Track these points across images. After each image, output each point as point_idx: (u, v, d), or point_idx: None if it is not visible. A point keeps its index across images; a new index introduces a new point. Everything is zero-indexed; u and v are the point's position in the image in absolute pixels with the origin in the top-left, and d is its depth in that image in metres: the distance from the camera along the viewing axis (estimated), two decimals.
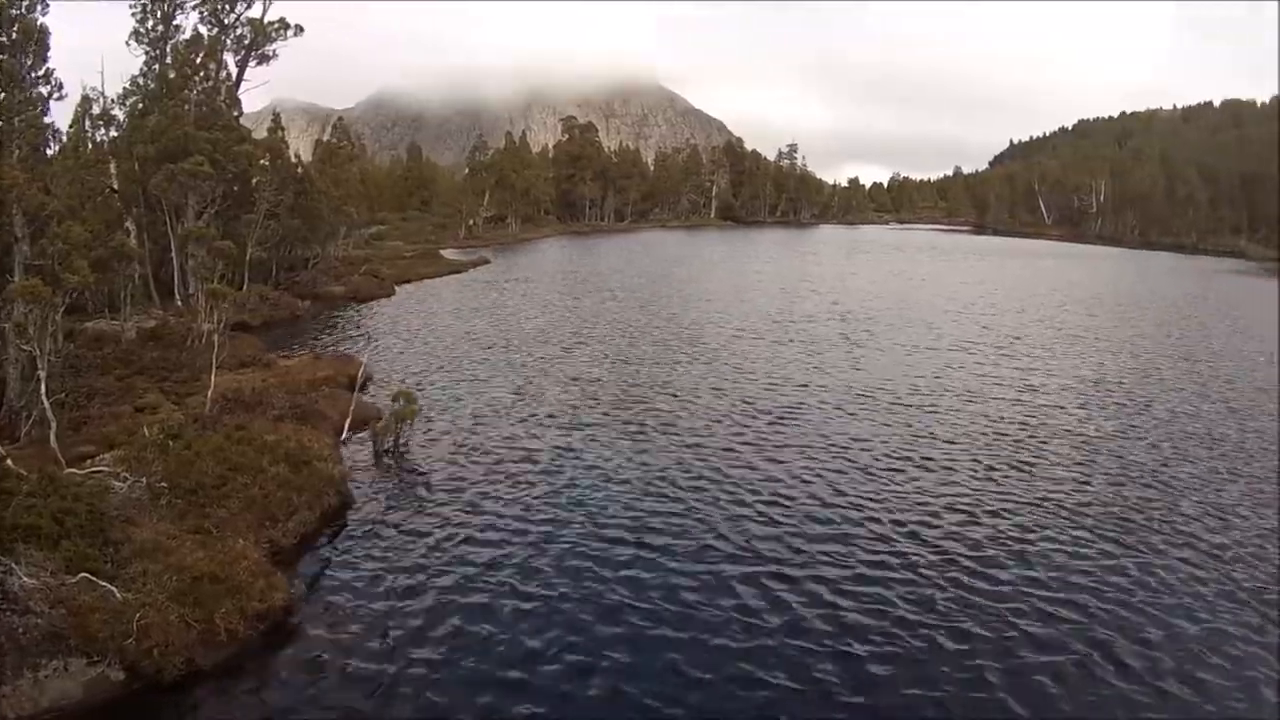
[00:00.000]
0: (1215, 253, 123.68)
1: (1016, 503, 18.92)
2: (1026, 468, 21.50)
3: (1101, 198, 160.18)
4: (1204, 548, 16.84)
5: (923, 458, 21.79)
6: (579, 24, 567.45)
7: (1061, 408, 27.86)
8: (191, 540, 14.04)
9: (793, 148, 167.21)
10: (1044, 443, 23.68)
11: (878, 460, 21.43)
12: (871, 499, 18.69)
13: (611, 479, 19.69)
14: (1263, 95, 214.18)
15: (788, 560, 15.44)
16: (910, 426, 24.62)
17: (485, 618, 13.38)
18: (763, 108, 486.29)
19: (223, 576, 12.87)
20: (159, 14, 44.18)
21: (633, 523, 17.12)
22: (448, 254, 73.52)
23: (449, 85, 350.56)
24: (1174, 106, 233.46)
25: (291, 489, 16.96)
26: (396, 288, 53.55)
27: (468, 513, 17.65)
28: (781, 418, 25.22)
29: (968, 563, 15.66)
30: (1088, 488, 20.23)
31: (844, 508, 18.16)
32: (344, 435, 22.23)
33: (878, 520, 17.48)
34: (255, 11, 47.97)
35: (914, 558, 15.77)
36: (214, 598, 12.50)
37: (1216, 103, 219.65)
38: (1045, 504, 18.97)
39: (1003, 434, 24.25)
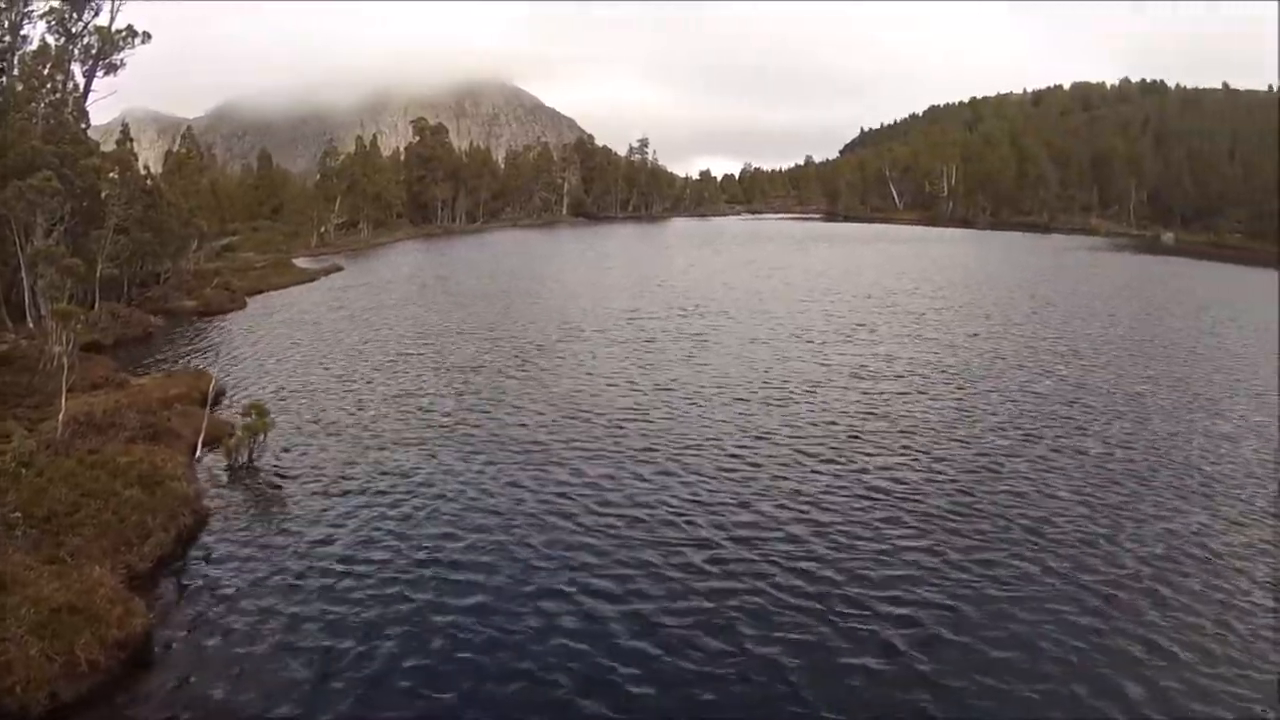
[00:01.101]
0: (1067, 231, 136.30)
1: (848, 496, 20.47)
2: (863, 459, 23.14)
3: (952, 181, 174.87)
4: (1034, 531, 18.66)
5: (762, 455, 23.33)
6: (427, 24, 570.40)
7: (904, 394, 29.82)
8: (48, 571, 14.56)
9: (643, 142, 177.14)
10: (884, 434, 25.36)
11: (712, 461, 22.73)
12: (698, 501, 19.92)
13: (457, 488, 20.94)
14: (1112, 78, 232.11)
15: (612, 570, 16.65)
16: (752, 423, 26.16)
17: (344, 632, 14.27)
18: (614, 103, 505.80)
19: (81, 606, 13.52)
20: (5, 24, 45.09)
21: (480, 528, 18.51)
22: (300, 263, 75.95)
23: (298, 90, 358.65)
24: (1024, 90, 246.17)
25: (146, 511, 17.85)
26: (249, 300, 54.85)
27: (323, 525, 18.62)
28: (624, 421, 26.43)
29: (790, 559, 16.97)
30: (923, 476, 21.98)
31: (673, 513, 19.33)
32: (198, 453, 23.07)
33: (695, 523, 18.65)
34: (103, 19, 49.90)
35: (730, 559, 16.95)
36: (73, 629, 13.11)
37: (1066, 86, 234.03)
38: (874, 497, 20.51)
39: (845, 427, 25.88)
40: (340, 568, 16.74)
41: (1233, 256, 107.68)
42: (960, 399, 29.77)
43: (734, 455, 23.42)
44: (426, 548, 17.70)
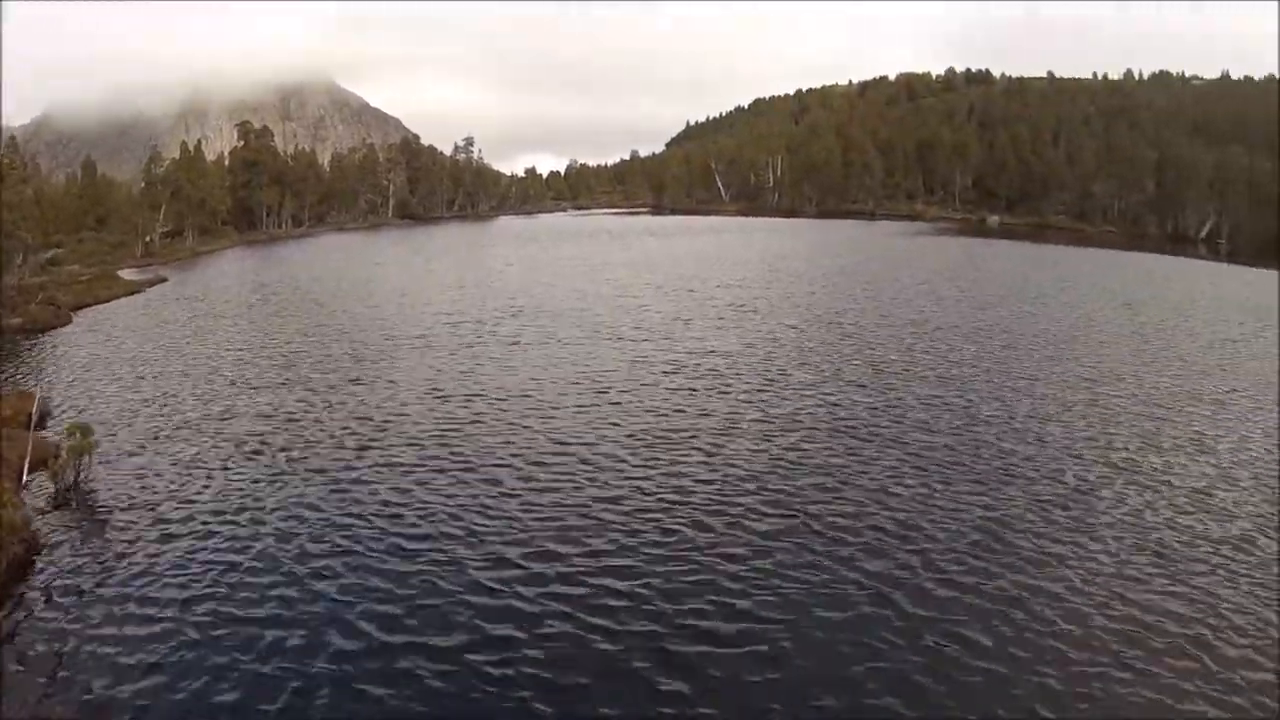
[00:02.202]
0: (893, 217, 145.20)
1: (652, 501, 21.02)
2: (670, 461, 23.75)
3: (778, 172, 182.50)
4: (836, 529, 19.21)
5: (566, 465, 23.62)
6: (245, 24, 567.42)
7: (722, 391, 30.90)
8: None
9: (469, 141, 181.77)
10: (693, 433, 26.10)
11: (516, 473, 23.09)
12: (502, 518, 20.27)
13: (288, 506, 21.40)
14: (937, 68, 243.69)
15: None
16: (560, 429, 26.76)
17: (182, 663, 14.70)
18: (440, 103, 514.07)
19: None
20: None
21: (309, 546, 19.01)
22: (125, 274, 75.96)
23: (116, 96, 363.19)
24: (850, 82, 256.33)
25: None
26: (74, 315, 54.34)
27: (152, 545, 19.30)
28: (431, 435, 26.80)
29: (573, 569, 17.51)
30: (730, 473, 22.70)
31: (468, 531, 19.62)
32: (25, 478, 23.19)
33: (487, 542, 18.97)
34: None
35: (520, 582, 17.24)
36: None
37: (892, 76, 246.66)
38: (681, 499, 21.07)
39: (656, 428, 26.66)
40: (173, 594, 17.11)
41: (1056, 238, 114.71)
42: (777, 393, 30.76)
43: (538, 464, 23.98)
44: (263, 569, 18.15)
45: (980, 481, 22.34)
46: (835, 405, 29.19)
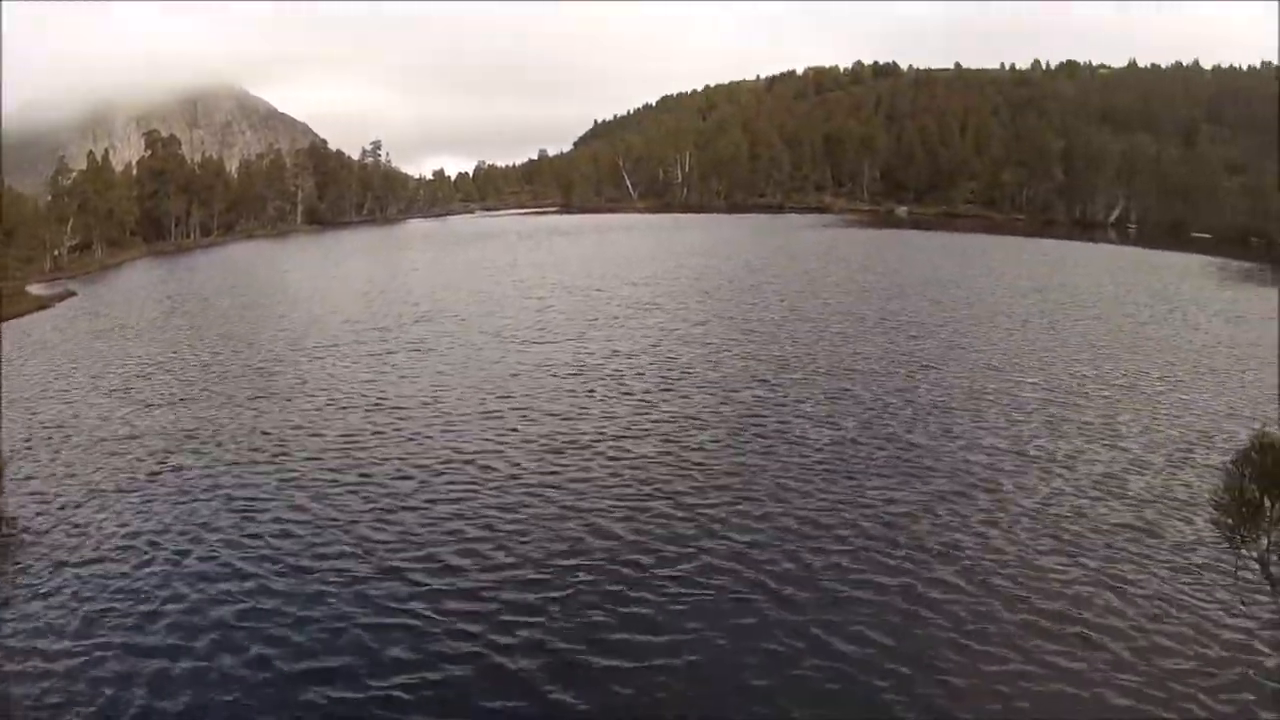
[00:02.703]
0: (801, 210, 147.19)
1: (544, 505, 21.02)
2: (572, 465, 23.66)
3: (686, 168, 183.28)
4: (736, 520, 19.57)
5: (463, 475, 23.37)
6: (146, 29, 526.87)
7: (627, 393, 30.51)
8: None
9: (376, 144, 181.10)
10: (589, 437, 26.01)
11: (412, 487, 22.77)
12: (393, 533, 19.94)
13: (186, 528, 21.21)
14: (845, 62, 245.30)
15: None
16: (459, 438, 26.47)
17: (70, 694, 14.57)
18: (347, 106, 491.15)
19: None
20: None
21: (205, 569, 18.91)
22: (34, 289, 75.58)
23: (26, 107, 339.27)
24: (758, 77, 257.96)
25: None
26: None
27: (49, 572, 19.11)
28: (332, 448, 26.48)
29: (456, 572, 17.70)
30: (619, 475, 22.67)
31: (355, 544, 19.47)
32: None
33: (384, 557, 18.70)
34: None
35: (402, 593, 17.12)
36: None
37: (800, 71, 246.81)
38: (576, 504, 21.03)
39: (557, 432, 26.47)
40: (58, 622, 16.97)
41: (965, 226, 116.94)
42: (682, 392, 30.67)
43: (437, 474, 23.75)
44: (153, 589, 18.07)
45: (887, 475, 22.24)
46: (741, 403, 29.04)
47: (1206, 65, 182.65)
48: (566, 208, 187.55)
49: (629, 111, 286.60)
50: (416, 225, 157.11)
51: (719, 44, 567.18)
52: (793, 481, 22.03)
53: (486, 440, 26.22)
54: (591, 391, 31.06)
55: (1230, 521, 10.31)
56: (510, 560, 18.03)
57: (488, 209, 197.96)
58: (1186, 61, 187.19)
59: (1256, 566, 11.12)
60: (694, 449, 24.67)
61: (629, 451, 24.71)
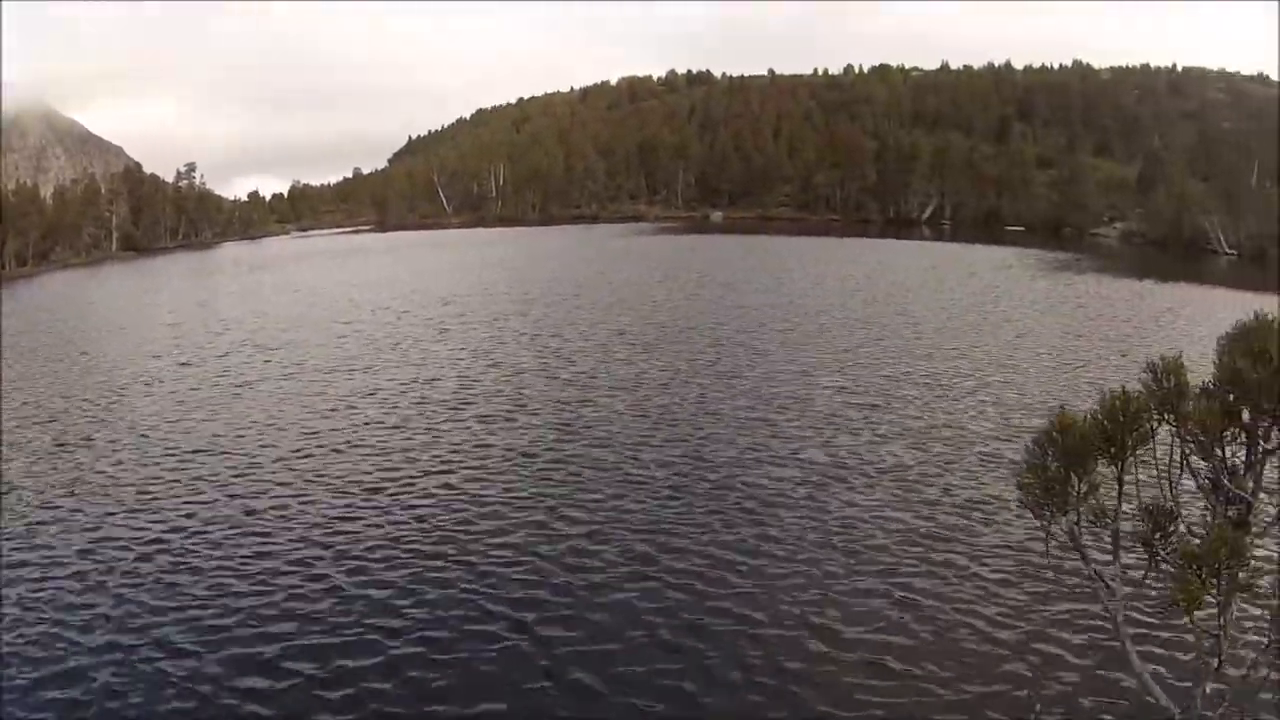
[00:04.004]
0: (616, 219, 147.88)
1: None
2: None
3: (500, 181, 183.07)
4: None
5: (263, 531, 19.82)
6: None
7: (432, 424, 27.56)
8: None
9: (191, 166, 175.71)
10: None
11: (202, 548, 19.21)
12: (180, 605, 16.90)
13: None
14: (659, 71, 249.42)
15: None
16: (262, 487, 22.57)
17: None
18: (160, 127, 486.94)
19: None
20: None
21: None
22: None
23: None
24: (571, 88, 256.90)
25: None
26: None
27: None
28: (113, 511, 21.98)
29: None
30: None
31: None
32: None
33: (166, 631, 15.93)
34: None
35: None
36: None
37: (614, 81, 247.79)
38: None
39: (374, 477, 22.89)
40: None
41: (780, 229, 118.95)
42: (481, 423, 27.38)
43: (232, 531, 19.45)
44: None
45: (679, 495, 20.24)
46: (541, 426, 26.36)
47: (1018, 65, 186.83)
48: (382, 226, 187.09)
49: (443, 126, 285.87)
50: (232, 249, 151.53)
51: (533, 57, 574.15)
52: (569, 505, 19.89)
53: (285, 491, 22.19)
54: (395, 425, 27.60)
55: (1037, 499, 8.68)
56: (311, 629, 15.32)
57: (303, 229, 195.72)
58: (999, 62, 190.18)
59: (1067, 540, 9.07)
60: (472, 479, 21.94)
61: (432, 494, 21.46)
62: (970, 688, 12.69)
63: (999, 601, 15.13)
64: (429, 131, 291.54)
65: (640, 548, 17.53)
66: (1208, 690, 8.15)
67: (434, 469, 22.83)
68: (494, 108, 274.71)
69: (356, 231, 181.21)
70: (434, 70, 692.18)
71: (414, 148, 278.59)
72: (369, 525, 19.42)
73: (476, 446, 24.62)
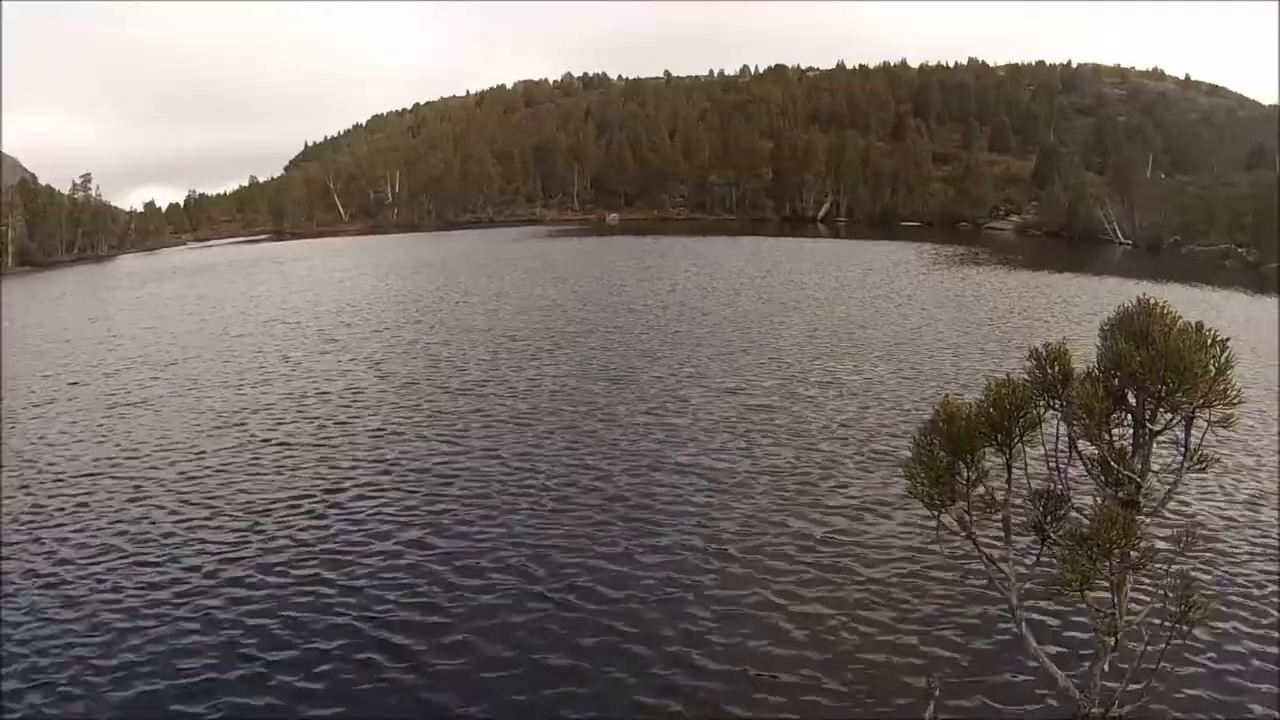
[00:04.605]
0: (512, 223, 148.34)
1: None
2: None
3: (396, 187, 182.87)
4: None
5: (127, 558, 19.01)
6: None
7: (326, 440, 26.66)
8: None
9: (86, 178, 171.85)
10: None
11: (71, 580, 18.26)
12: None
13: None
14: (555, 74, 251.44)
15: None
16: (141, 515, 21.45)
17: None
18: (55, 137, 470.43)
19: None
20: None
21: None
22: None
23: None
24: (468, 92, 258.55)
25: None
26: None
27: None
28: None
29: None
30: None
31: None
32: None
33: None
34: None
35: None
36: None
37: (510, 85, 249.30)
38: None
39: (257, 505, 21.86)
40: None
41: (675, 229, 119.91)
42: (373, 429, 27.51)
43: (93, 559, 18.74)
44: None
45: (562, 509, 19.81)
46: (426, 441, 25.73)
47: (914, 64, 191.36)
48: (279, 234, 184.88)
49: (340, 132, 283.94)
50: (129, 262, 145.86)
51: (430, 62, 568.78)
52: (459, 521, 19.48)
53: (165, 519, 21.31)
54: (284, 441, 26.72)
55: (926, 489, 8.94)
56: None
57: (200, 240, 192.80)
58: (894, 61, 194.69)
59: (957, 527, 9.22)
60: (369, 495, 21.41)
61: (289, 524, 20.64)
62: (865, 685, 12.65)
63: (893, 595, 15.15)
64: (326, 138, 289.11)
65: (526, 564, 17.29)
66: (1106, 667, 8.35)
67: (323, 487, 22.36)
68: (390, 113, 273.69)
69: (253, 241, 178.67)
70: (330, 76, 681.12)
71: (311, 154, 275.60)
72: (255, 549, 18.80)
73: (367, 462, 24.27)
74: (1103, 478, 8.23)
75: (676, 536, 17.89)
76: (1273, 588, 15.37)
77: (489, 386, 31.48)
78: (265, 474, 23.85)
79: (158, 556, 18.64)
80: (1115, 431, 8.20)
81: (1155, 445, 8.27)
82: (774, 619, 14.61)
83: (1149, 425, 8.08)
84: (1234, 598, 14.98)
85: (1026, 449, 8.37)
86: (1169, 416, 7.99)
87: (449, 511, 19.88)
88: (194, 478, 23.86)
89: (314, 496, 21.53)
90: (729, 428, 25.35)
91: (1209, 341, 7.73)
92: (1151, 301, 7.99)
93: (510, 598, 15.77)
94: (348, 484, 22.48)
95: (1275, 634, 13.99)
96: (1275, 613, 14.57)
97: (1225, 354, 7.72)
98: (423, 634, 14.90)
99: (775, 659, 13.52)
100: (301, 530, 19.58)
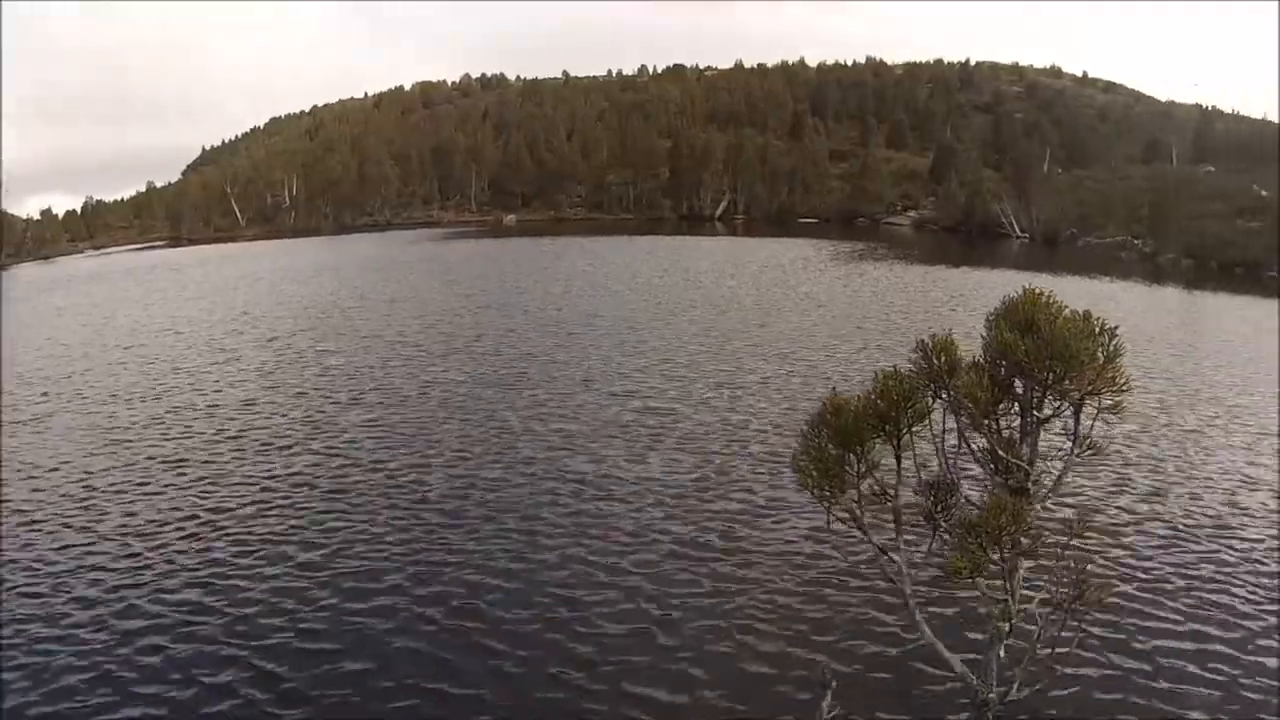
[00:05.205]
0: (410, 225, 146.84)
1: None
2: None
3: (294, 191, 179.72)
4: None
5: None
6: None
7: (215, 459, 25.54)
8: None
9: None
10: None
11: None
12: None
13: None
14: (453, 76, 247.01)
15: None
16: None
17: None
18: None
19: None
20: None
21: None
22: None
23: None
24: (366, 94, 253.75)
25: None
26: None
27: None
28: None
29: None
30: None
31: None
32: None
33: None
34: None
35: None
36: None
37: (408, 86, 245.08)
38: None
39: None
40: None
41: (573, 229, 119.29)
42: (265, 442, 26.70)
43: None
44: None
45: (449, 524, 19.41)
46: (315, 455, 25.07)
47: (812, 63, 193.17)
48: (176, 241, 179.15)
49: (238, 135, 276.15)
50: (25, 271, 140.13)
51: (327, 62, 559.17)
52: (344, 541, 18.82)
53: (51, 539, 20.61)
54: (173, 460, 25.67)
55: (815, 481, 9.02)
56: None
57: (97, 248, 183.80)
58: (792, 60, 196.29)
59: (849, 519, 9.38)
60: (258, 515, 20.72)
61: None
62: (760, 689, 12.58)
63: (791, 597, 15.08)
64: (224, 141, 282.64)
65: (411, 585, 16.76)
66: (1003, 653, 8.45)
67: (210, 507, 21.44)
68: (288, 116, 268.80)
69: (151, 247, 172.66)
70: (227, 77, 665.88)
71: (209, 159, 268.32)
72: (136, 574, 17.92)
73: (256, 478, 23.45)
74: (992, 466, 8.26)
75: (568, 550, 17.48)
76: (1179, 580, 15.57)
77: (380, 395, 30.89)
78: (150, 495, 22.75)
79: (43, 587, 17.52)
80: (1004, 420, 8.23)
81: (1050, 433, 8.34)
82: (662, 634, 14.32)
83: (1036, 413, 8.14)
84: (1134, 588, 15.17)
85: (917, 440, 8.39)
86: (1057, 404, 8.04)
87: (335, 530, 19.20)
88: (81, 501, 22.73)
89: (199, 518, 20.64)
90: (623, 432, 25.06)
91: (1097, 330, 7.78)
92: (1037, 291, 8.03)
93: (396, 621, 15.28)
94: (233, 503, 21.70)
95: (1173, 618, 14.27)
96: (1174, 599, 14.85)
97: (1114, 341, 7.78)
98: (302, 662, 14.35)
99: (664, 674, 13.27)
100: (183, 554, 18.68)
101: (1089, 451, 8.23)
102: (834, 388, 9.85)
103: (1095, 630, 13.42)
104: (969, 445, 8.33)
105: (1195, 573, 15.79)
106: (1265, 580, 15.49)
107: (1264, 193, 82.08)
